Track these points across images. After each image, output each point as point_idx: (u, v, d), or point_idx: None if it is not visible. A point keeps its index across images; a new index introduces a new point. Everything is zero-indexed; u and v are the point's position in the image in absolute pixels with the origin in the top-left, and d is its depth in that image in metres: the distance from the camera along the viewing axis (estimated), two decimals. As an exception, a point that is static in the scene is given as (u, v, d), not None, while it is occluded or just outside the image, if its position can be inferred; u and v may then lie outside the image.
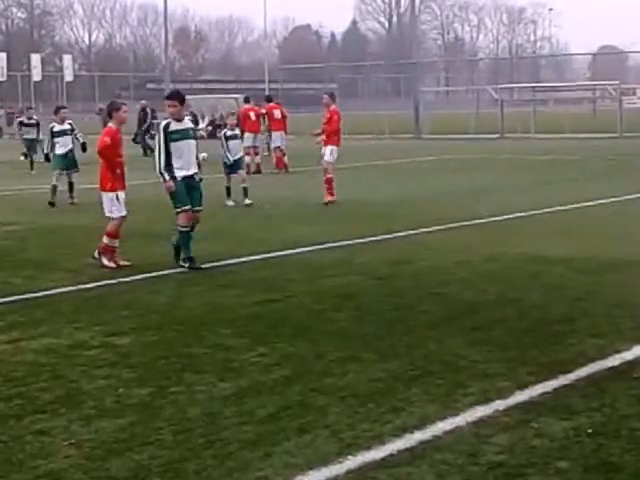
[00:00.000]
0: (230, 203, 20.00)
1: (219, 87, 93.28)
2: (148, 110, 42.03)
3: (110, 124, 13.28)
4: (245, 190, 19.96)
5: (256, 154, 29.66)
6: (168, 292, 11.00)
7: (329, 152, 20.30)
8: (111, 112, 13.33)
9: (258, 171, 29.11)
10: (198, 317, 9.66)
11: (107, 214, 13.10)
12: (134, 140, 40.57)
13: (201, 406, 6.80)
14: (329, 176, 19.98)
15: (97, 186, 13.30)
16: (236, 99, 59.08)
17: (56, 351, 8.44)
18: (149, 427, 6.38)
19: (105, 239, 12.88)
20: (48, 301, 10.69)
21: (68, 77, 72.97)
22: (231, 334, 8.88)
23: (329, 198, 19.71)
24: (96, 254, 12.83)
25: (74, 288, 11.31)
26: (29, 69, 70.59)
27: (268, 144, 32.05)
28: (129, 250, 13.03)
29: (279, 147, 30.15)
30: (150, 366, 7.87)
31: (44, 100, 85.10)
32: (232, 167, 20.28)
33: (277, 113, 30.98)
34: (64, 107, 23.64)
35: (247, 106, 31.17)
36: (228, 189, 20.21)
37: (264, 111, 31.44)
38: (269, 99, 33.18)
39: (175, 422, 6.47)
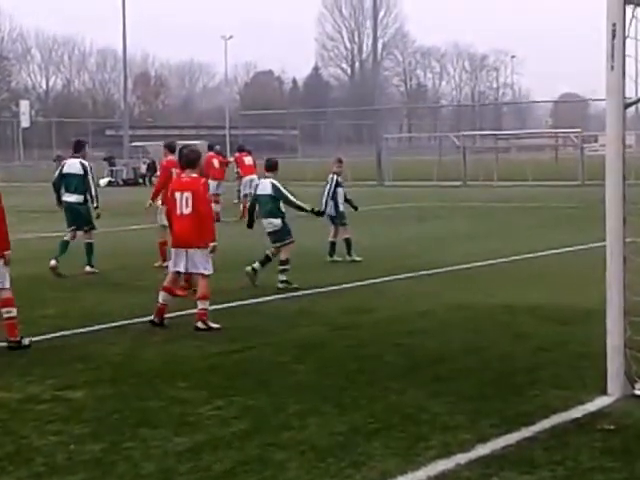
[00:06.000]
0: (338, 258, 18.06)
1: (179, 133, 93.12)
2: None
3: None
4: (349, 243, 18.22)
5: (216, 202, 29.52)
6: (125, 344, 10.76)
7: None
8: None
9: (217, 219, 29.00)
10: (154, 369, 9.45)
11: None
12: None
13: (155, 462, 6.61)
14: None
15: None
16: (196, 146, 59.12)
17: (7, 405, 8.22)
18: (101, 485, 6.19)
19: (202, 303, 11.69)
20: (0, 354, 10.44)
21: (25, 123, 72.36)
22: (188, 387, 8.69)
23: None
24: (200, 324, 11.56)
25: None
26: (-15, 115, 70.10)
27: (239, 191, 31.90)
28: (86, 299, 12.79)
29: (247, 195, 29.58)
30: (103, 421, 7.66)
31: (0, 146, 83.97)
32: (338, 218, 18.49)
33: (248, 160, 31.04)
34: None
35: (211, 153, 31.56)
36: (333, 244, 18.24)
37: (232, 159, 31.54)
38: (240, 149, 33.14)
39: (129, 479, 6.28)
